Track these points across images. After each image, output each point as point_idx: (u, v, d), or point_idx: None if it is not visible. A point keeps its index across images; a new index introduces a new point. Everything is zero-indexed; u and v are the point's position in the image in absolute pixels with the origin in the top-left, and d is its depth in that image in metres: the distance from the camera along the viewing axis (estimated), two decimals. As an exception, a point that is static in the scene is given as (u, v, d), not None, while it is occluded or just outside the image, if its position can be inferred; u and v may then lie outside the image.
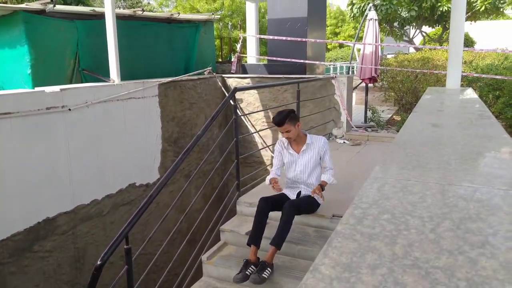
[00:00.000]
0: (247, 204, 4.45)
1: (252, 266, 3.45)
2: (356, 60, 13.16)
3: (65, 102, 4.77)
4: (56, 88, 4.81)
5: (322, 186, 3.72)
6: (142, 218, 3.14)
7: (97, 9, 6.61)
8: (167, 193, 6.51)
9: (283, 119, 3.65)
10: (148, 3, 29.13)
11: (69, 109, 4.80)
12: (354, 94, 8.78)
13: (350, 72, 11.15)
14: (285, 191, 3.95)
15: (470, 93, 4.10)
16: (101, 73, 6.11)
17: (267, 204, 3.66)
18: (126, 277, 3.02)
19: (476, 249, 0.72)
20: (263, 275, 3.34)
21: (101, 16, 6.08)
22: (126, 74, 6.20)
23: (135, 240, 4.83)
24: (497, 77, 6.74)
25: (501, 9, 11.63)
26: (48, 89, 4.75)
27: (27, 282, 4.41)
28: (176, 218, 5.80)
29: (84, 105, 5.02)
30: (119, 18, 6.32)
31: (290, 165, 3.90)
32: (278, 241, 3.42)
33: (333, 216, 4.04)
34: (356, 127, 7.97)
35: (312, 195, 3.72)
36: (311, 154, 3.80)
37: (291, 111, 3.77)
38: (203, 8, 23.04)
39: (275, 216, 4.12)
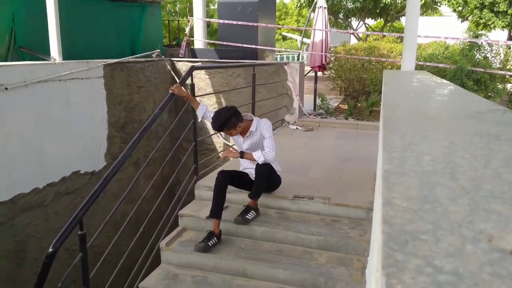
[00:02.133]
0: (206, 188, 4.27)
1: (215, 238, 3.45)
2: (304, 51, 13.29)
3: (0, 80, 4.28)
4: (-11, 63, 4.31)
5: (243, 153, 3.67)
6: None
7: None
8: (115, 181, 6.12)
9: (220, 126, 3.52)
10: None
11: (6, 88, 4.31)
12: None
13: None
14: (244, 170, 3.92)
15: (426, 74, 4.21)
16: (41, 51, 5.58)
17: (226, 177, 3.60)
18: (81, 266, 2.76)
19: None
20: (247, 216, 3.48)
21: (38, -11, 5.54)
22: (67, 53, 5.71)
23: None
24: (440, 65, 7.09)
25: (438, 3, 12.30)
26: (-21, 65, 4.24)
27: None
28: (125, 208, 5.47)
29: (22, 84, 4.54)
30: (59, -9, 5.79)
31: (238, 146, 3.92)
32: (255, 194, 3.56)
33: (294, 197, 4.00)
34: (308, 114, 8.03)
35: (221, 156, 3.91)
36: (254, 139, 3.77)
37: (231, 115, 3.52)
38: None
39: (234, 199, 4.02)
